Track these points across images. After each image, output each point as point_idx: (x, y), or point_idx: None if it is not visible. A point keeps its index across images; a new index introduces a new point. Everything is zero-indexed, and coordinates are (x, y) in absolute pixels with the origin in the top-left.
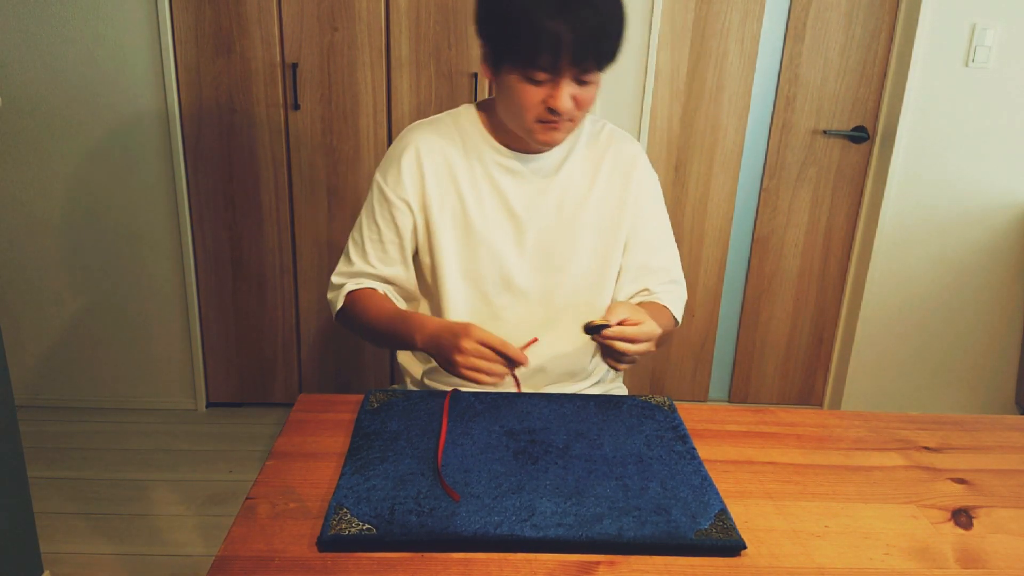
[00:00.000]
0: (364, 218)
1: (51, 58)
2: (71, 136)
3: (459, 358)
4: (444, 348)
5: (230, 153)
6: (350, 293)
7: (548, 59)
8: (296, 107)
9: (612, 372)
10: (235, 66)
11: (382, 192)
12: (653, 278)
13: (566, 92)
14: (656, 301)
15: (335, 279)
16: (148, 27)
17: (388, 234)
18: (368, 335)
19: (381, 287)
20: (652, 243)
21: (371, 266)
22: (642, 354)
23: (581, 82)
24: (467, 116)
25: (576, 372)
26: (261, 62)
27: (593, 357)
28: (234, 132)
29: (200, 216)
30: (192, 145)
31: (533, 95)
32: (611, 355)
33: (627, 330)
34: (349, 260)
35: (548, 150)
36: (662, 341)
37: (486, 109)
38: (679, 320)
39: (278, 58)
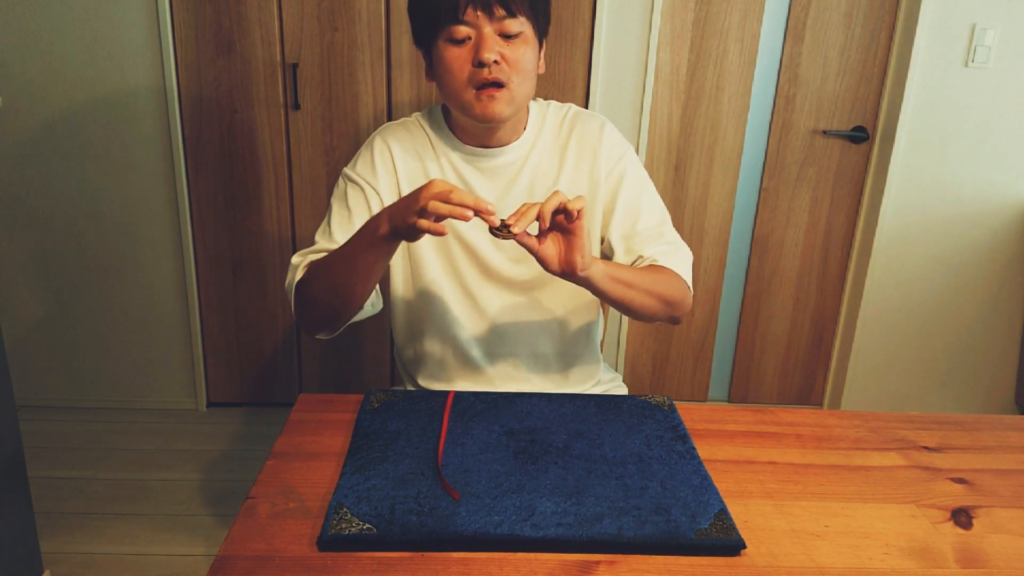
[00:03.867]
0: (333, 207)
1: (51, 58)
2: (71, 136)
3: (422, 202)
4: (405, 210)
5: (230, 153)
6: (311, 263)
7: (452, 8)
8: (296, 107)
9: (611, 372)
10: (235, 66)
11: (352, 180)
12: (644, 243)
13: (490, 42)
14: (655, 263)
15: (294, 259)
16: (148, 27)
17: (359, 216)
18: (333, 281)
19: None
20: (633, 209)
21: (335, 242)
22: (556, 200)
23: (506, 36)
24: (433, 116)
25: (564, 353)
26: (261, 62)
27: (580, 348)
28: (234, 132)
29: (200, 216)
30: (192, 145)
31: (460, 59)
32: (564, 253)
33: (520, 209)
34: (313, 243)
35: (500, 136)
36: (669, 296)
37: (448, 109)
38: (691, 285)
39: (278, 58)
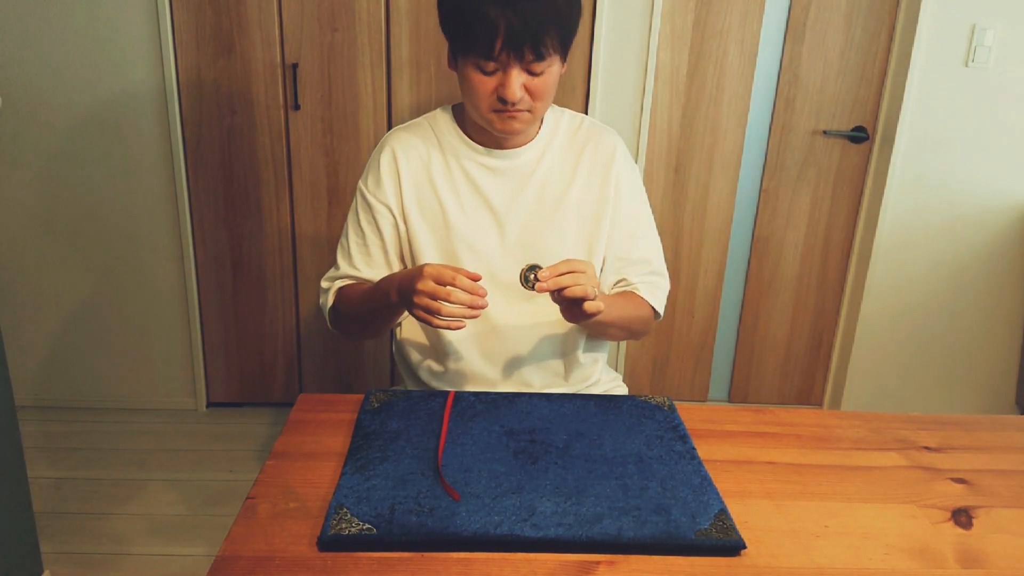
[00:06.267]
0: (349, 224)
1: (51, 58)
2: (71, 136)
3: (415, 299)
4: (407, 295)
5: (230, 153)
6: (339, 289)
7: (486, 47)
8: (296, 107)
9: (611, 372)
10: (235, 67)
11: (364, 198)
12: (633, 269)
13: (515, 82)
14: (634, 292)
15: (323, 284)
16: (148, 28)
17: (372, 238)
18: (360, 320)
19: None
20: (632, 235)
21: (356, 269)
22: (580, 291)
23: (532, 72)
24: (443, 117)
25: (564, 354)
26: (261, 63)
27: (580, 350)
28: (234, 133)
29: (200, 216)
30: (192, 146)
31: (485, 84)
32: (571, 313)
33: (559, 267)
34: (336, 265)
35: (514, 139)
36: (638, 330)
37: (461, 110)
38: (660, 312)
39: (278, 58)
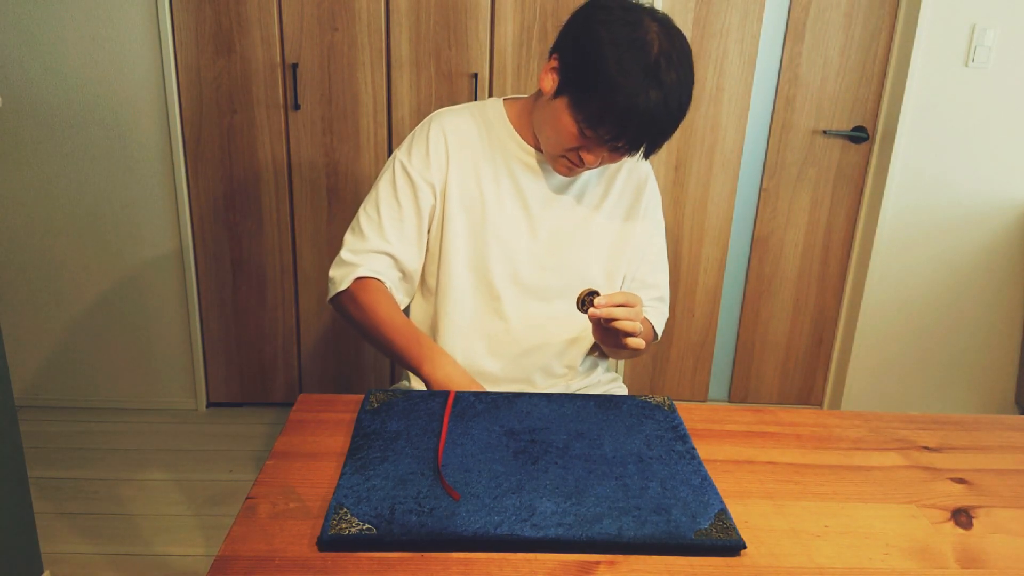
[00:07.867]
0: (382, 194)
1: (51, 58)
2: (71, 136)
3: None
4: (459, 383)
5: (230, 153)
6: (359, 279)
7: (608, 133)
8: (296, 107)
9: (611, 372)
10: (235, 66)
11: (406, 172)
12: (645, 293)
13: (599, 156)
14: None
15: (347, 256)
16: (148, 27)
17: (409, 214)
18: (367, 331)
19: (391, 275)
20: (652, 261)
21: (388, 243)
22: (630, 327)
23: (617, 152)
24: (494, 109)
25: (568, 355)
26: (261, 62)
27: (583, 352)
28: (234, 132)
29: (200, 216)
30: (192, 145)
31: (571, 139)
32: (603, 335)
33: (615, 297)
34: (363, 236)
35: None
36: (636, 352)
37: (514, 105)
38: (659, 336)
39: (278, 58)
